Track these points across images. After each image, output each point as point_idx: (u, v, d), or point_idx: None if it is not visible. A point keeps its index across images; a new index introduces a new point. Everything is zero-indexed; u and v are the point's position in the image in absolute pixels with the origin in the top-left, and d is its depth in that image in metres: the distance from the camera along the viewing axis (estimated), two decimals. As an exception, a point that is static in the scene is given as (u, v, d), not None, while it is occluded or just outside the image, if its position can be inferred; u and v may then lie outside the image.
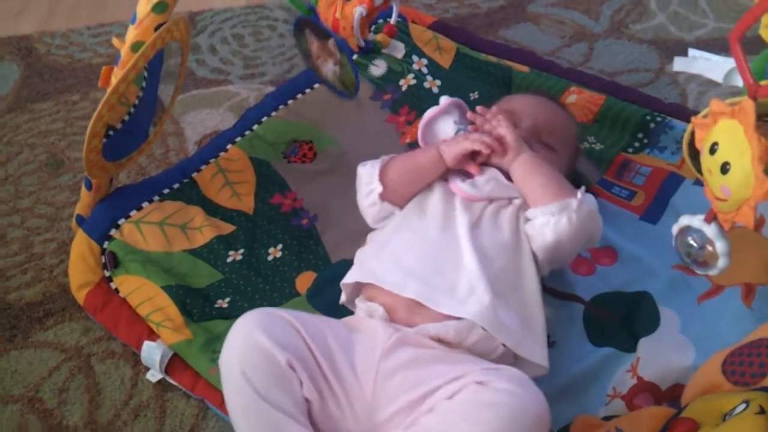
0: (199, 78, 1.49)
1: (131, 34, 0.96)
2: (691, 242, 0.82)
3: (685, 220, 0.82)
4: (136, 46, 0.95)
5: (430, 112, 1.01)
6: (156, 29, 0.96)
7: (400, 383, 0.78)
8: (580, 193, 0.91)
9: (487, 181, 0.95)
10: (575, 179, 1.08)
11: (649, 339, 0.93)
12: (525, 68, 1.36)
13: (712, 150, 0.74)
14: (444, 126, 1.01)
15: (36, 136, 1.40)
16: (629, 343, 0.94)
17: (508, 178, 0.95)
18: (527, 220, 0.93)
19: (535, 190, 0.92)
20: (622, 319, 0.97)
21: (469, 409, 0.71)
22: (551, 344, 0.96)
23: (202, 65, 1.53)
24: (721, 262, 0.80)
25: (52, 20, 1.75)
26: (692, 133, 0.83)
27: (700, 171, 0.83)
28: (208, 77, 1.51)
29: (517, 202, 0.95)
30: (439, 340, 0.82)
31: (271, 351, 0.76)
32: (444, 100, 1.02)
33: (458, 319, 0.82)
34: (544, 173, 0.93)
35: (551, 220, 0.89)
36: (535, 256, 0.92)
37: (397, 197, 0.97)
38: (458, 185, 0.95)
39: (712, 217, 0.78)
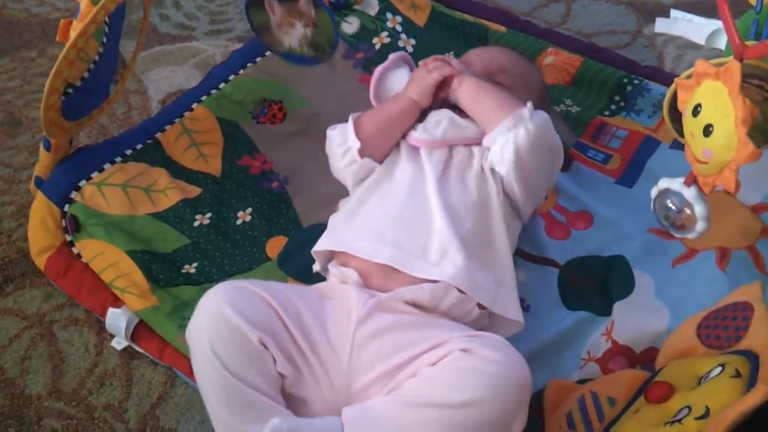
0: (162, 34, 1.43)
1: (91, -16, 0.91)
2: (670, 205, 0.81)
3: (664, 183, 0.81)
4: (95, -1, 0.90)
5: (380, 68, 1.00)
6: (116, -20, 0.91)
7: (377, 351, 0.76)
8: (529, 104, 0.91)
9: (438, 122, 0.95)
10: None
11: (624, 303, 0.93)
12: (501, 28, 1.32)
13: (695, 112, 0.72)
14: (397, 79, 1.00)
15: (-9, 93, 1.33)
16: (604, 307, 0.93)
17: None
18: (488, 151, 0.91)
19: (486, 111, 0.92)
20: (597, 283, 0.96)
21: (454, 376, 0.70)
22: (526, 308, 0.95)
23: (166, 20, 1.47)
24: (700, 226, 0.79)
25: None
26: (674, 95, 0.81)
27: (680, 133, 0.82)
28: (172, 33, 1.44)
29: (477, 152, 0.93)
30: (415, 305, 0.81)
31: (242, 329, 0.73)
32: (391, 56, 1.02)
33: (434, 282, 0.81)
34: (491, 93, 0.93)
35: (509, 136, 0.88)
36: (514, 205, 0.92)
37: (375, 152, 0.95)
38: (412, 135, 0.95)
39: (691, 180, 0.77)
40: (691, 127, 0.73)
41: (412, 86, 0.96)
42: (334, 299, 0.82)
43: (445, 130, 0.94)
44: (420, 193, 0.89)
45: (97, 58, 1.03)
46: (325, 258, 0.91)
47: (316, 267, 0.92)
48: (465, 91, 0.94)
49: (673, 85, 0.81)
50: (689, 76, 0.77)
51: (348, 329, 0.77)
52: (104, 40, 1.03)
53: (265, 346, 0.74)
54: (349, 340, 0.77)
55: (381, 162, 0.95)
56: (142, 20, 1.08)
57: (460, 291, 0.81)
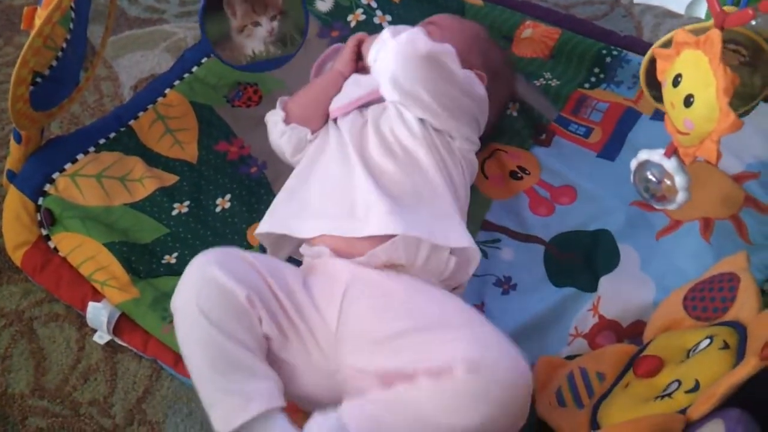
0: (131, 18, 1.39)
1: (53, -32, 0.88)
2: (650, 177, 0.80)
3: (644, 155, 0.81)
4: (58, -18, 0.87)
5: (319, 58, 1.09)
6: (80, -36, 0.88)
7: (365, 315, 0.76)
8: (391, 28, 0.94)
9: (344, 89, 0.99)
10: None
11: (610, 277, 0.93)
12: (478, 1, 1.30)
13: (675, 82, 0.71)
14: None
15: (-45, 85, 1.29)
16: (590, 283, 0.93)
17: None
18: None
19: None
20: (583, 259, 0.96)
21: (460, 401, 0.67)
22: (513, 287, 0.94)
23: (134, 4, 1.43)
24: (681, 197, 0.79)
25: (-35, -44, 1.60)
26: (650, 63, 0.80)
27: (658, 100, 0.81)
28: (141, 16, 1.40)
29: (391, 106, 0.93)
30: (394, 266, 0.81)
31: (229, 286, 0.73)
32: (332, 47, 1.10)
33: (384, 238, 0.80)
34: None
35: (381, 48, 0.92)
36: (443, 137, 0.92)
37: (304, 119, 0.98)
38: (330, 109, 0.99)
39: (672, 152, 0.77)
40: (672, 97, 0.72)
41: (337, 59, 1.04)
42: (317, 273, 0.82)
43: (350, 93, 0.97)
44: (344, 160, 0.90)
45: (64, 45, 1.00)
46: (272, 241, 0.91)
47: (287, 251, 0.93)
48: (367, 49, 0.99)
49: (648, 53, 0.80)
50: (666, 44, 0.76)
51: (335, 294, 0.77)
52: (71, 26, 1.00)
53: (252, 305, 0.73)
54: (338, 303, 0.77)
55: (314, 131, 0.98)
56: (110, 4, 1.05)
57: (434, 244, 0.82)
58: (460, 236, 0.84)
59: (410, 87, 0.89)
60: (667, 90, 0.73)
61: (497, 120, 1.08)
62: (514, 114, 1.14)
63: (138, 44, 1.34)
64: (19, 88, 0.91)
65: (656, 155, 0.77)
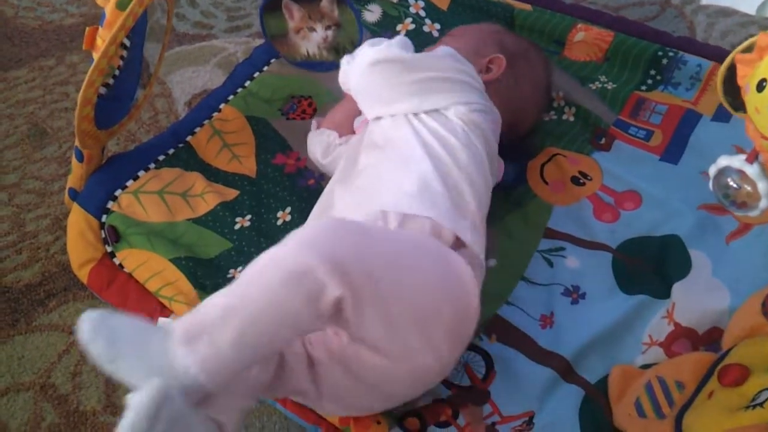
0: (180, 34, 1.40)
1: (115, -12, 0.89)
2: (731, 183, 0.78)
3: (724, 161, 0.79)
4: (122, 3, 0.88)
5: None
6: (142, -17, 0.88)
7: None
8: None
9: None
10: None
11: (683, 283, 0.91)
12: (527, 6, 1.29)
13: (761, 87, 0.69)
14: None
15: (14, 106, 1.31)
16: (662, 289, 0.91)
17: None
18: None
19: None
20: (653, 265, 0.94)
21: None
22: (582, 296, 0.93)
23: (183, 20, 1.44)
24: (764, 203, 0.77)
25: (15, -21, 1.63)
26: (728, 69, 0.78)
27: (735, 108, 0.79)
28: (190, 32, 1.42)
29: None
30: None
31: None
32: None
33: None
34: None
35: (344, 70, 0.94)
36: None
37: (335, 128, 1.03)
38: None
39: (754, 157, 0.75)
40: (757, 102, 0.70)
41: None
42: None
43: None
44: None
45: (121, 63, 1.01)
46: None
47: None
48: None
49: (727, 60, 0.78)
50: (747, 50, 0.74)
51: None
52: (127, 44, 1.01)
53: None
54: None
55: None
56: (167, 21, 1.06)
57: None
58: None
59: (366, 97, 0.92)
60: (752, 95, 0.71)
61: (539, 107, 1.08)
62: (571, 119, 1.13)
63: (189, 60, 1.35)
64: (84, 108, 0.92)
65: (737, 161, 0.76)
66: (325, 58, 1.03)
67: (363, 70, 0.90)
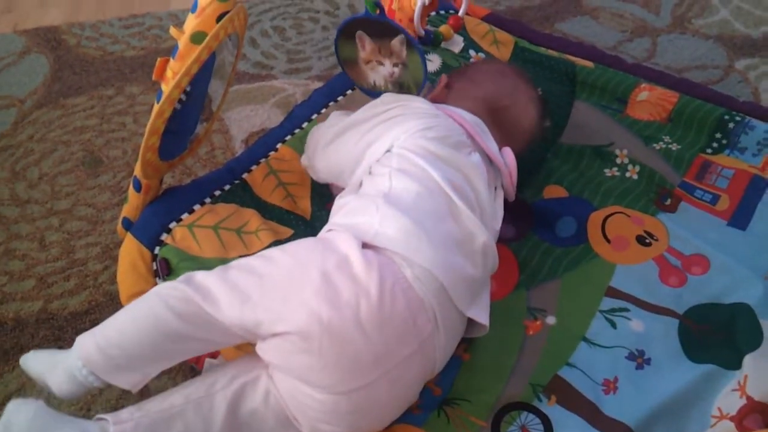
0: (241, 72, 1.42)
1: (191, 23, 0.89)
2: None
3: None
4: (196, 37, 0.88)
5: None
6: (218, 19, 0.89)
7: None
8: None
9: None
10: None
11: (755, 355, 0.86)
12: (589, 63, 1.29)
13: None
14: None
15: (71, 132, 1.32)
16: (733, 360, 0.87)
17: None
18: None
19: None
20: (722, 333, 0.90)
21: None
22: (646, 361, 0.89)
23: (244, 59, 1.46)
24: None
25: (80, 11, 1.68)
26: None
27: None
28: (251, 72, 1.43)
29: None
30: None
31: None
32: None
33: None
34: None
35: None
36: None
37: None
38: None
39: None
40: None
41: None
42: None
43: None
44: None
45: (184, 97, 1.01)
46: None
47: None
48: None
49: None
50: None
51: None
52: (192, 80, 1.01)
53: None
54: None
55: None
56: (234, 59, 1.07)
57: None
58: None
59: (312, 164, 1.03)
60: None
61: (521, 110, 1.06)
62: (635, 177, 1.11)
63: (248, 99, 1.36)
64: (152, 138, 0.92)
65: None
66: (390, 90, 1.04)
67: (318, 157, 1.01)
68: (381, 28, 0.96)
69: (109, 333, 0.79)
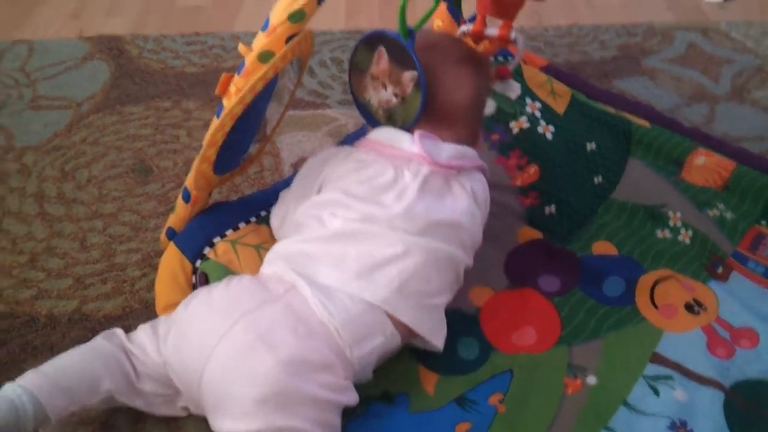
0: (297, 99, 1.43)
1: (261, 41, 0.90)
2: None
3: None
4: (263, 55, 0.89)
5: None
6: (287, 40, 0.90)
7: None
8: None
9: None
10: None
11: (806, 438, 0.82)
12: (645, 123, 1.27)
13: None
14: None
15: (124, 139, 1.34)
16: (782, 442, 0.83)
17: None
18: None
19: None
20: (770, 413, 0.86)
21: None
22: (689, 433, 0.85)
23: (301, 87, 1.47)
24: None
25: (145, 24, 1.72)
26: None
27: None
28: (306, 99, 1.44)
29: None
30: None
31: None
32: None
33: None
34: None
35: None
36: None
37: None
38: None
39: None
40: None
41: None
42: None
43: None
44: None
45: (243, 115, 1.02)
46: None
47: None
48: None
49: None
50: None
51: None
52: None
53: None
54: None
55: None
56: (296, 84, 1.07)
57: None
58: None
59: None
60: None
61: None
62: (687, 241, 1.08)
63: (301, 125, 1.37)
64: (209, 150, 0.93)
65: None
66: (377, 115, 1.02)
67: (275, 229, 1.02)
68: (403, 55, 0.94)
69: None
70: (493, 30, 1.08)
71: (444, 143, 0.94)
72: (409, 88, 0.94)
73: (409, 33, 0.92)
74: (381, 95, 0.98)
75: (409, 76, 0.94)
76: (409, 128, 0.96)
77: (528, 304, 1.01)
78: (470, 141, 0.99)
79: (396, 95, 0.96)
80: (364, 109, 1.01)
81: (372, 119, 1.01)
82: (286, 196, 1.02)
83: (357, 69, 1.00)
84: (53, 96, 1.45)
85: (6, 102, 1.44)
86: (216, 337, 0.77)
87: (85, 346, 0.85)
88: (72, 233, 1.14)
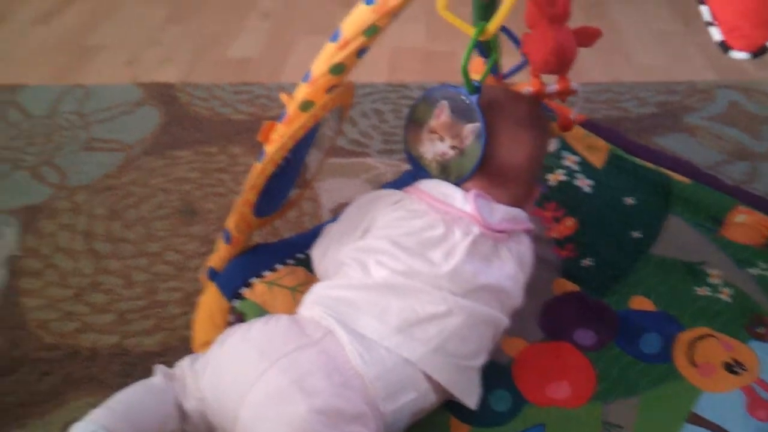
0: (338, 147, 1.47)
1: (302, 91, 0.93)
2: None
3: None
4: (305, 105, 0.93)
5: None
6: (328, 91, 0.93)
7: None
8: None
9: None
10: None
11: None
12: (685, 179, 1.27)
13: None
14: None
15: (171, 182, 1.39)
16: None
17: None
18: None
19: None
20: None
21: None
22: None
23: (342, 136, 1.51)
24: None
25: (196, 73, 1.80)
26: None
27: None
28: (347, 147, 1.48)
29: None
30: None
31: None
32: None
33: None
34: None
35: None
36: None
37: None
38: None
39: None
40: None
41: None
42: None
43: None
44: None
45: (284, 162, 1.05)
46: None
47: None
48: None
49: None
50: None
51: None
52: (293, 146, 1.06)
53: None
54: None
55: None
56: (334, 133, 1.11)
57: None
58: None
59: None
60: None
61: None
62: (727, 299, 1.06)
63: (341, 172, 1.40)
64: (250, 193, 0.96)
65: None
66: (430, 167, 1.02)
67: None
68: (465, 109, 0.95)
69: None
70: (552, 87, 1.08)
71: (497, 205, 0.94)
72: (469, 141, 0.95)
73: (476, 89, 0.94)
74: (437, 148, 0.99)
75: (470, 128, 0.95)
76: (462, 183, 0.96)
77: (562, 357, 1.00)
78: (523, 201, 0.99)
79: (453, 148, 0.97)
80: (417, 161, 1.02)
81: (423, 172, 1.02)
82: (330, 231, 1.03)
83: (415, 122, 1.01)
84: (106, 138, 1.52)
85: (62, 143, 1.51)
86: (252, 377, 0.77)
87: (146, 383, 0.85)
88: (117, 270, 1.18)
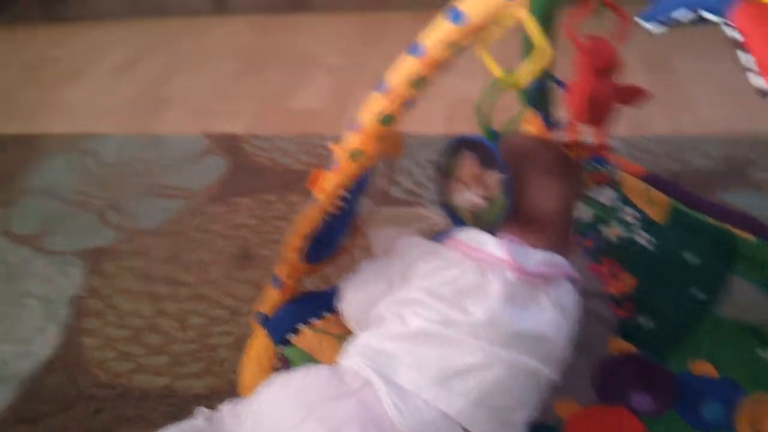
0: (392, 197, 1.49)
1: (352, 140, 0.96)
2: None
3: None
4: (353, 154, 0.95)
5: None
6: (377, 140, 0.95)
7: None
8: None
9: None
10: None
11: None
12: (750, 236, 1.21)
13: None
14: None
15: (231, 228, 1.43)
16: None
17: None
18: None
19: None
20: None
21: None
22: None
23: (396, 185, 1.53)
24: None
25: (261, 125, 1.86)
26: None
27: None
28: (401, 197, 1.50)
29: None
30: None
31: None
32: None
33: None
34: None
35: None
36: None
37: None
38: None
39: None
40: None
41: None
42: None
43: None
44: None
45: (335, 210, 1.07)
46: None
47: None
48: None
49: None
50: None
51: None
52: (345, 195, 1.07)
53: None
54: None
55: None
56: (388, 182, 1.12)
57: None
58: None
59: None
60: None
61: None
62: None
63: (394, 221, 1.41)
64: (297, 239, 0.98)
65: None
66: (464, 216, 1.01)
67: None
68: (491, 158, 0.94)
69: None
70: (588, 139, 1.08)
71: (532, 249, 0.92)
72: (495, 189, 0.95)
73: (494, 135, 0.94)
74: (467, 197, 0.99)
75: (495, 177, 0.94)
76: (495, 231, 0.96)
77: (617, 422, 0.96)
78: (560, 248, 0.97)
79: (483, 197, 0.97)
80: (451, 211, 1.03)
81: (459, 221, 1.02)
82: (358, 279, 1.04)
83: (444, 174, 1.02)
84: (172, 185, 1.59)
85: (129, 189, 1.59)
86: (289, 426, 0.77)
87: (186, 425, 0.88)
88: (174, 313, 1.22)
